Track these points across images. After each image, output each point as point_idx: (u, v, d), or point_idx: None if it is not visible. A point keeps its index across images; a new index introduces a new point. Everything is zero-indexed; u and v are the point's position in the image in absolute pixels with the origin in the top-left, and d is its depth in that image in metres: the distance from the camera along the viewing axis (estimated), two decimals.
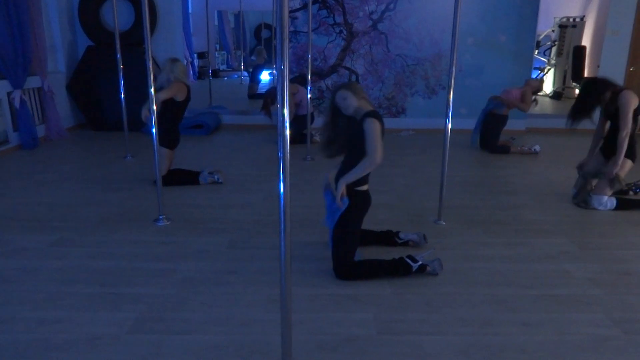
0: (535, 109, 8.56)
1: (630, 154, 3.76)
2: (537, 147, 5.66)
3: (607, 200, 3.77)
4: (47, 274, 2.68)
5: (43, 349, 2.04)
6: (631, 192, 4.17)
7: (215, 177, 4.28)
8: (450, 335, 2.17)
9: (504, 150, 5.64)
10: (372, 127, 2.54)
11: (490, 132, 5.66)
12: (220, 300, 2.43)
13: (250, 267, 2.78)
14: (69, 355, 2.00)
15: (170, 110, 4.05)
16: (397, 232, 3.09)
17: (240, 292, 2.51)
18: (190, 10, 10.52)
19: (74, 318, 2.26)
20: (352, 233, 2.67)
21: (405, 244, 3.05)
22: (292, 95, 5.74)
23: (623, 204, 3.79)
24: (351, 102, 2.62)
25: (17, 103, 5.33)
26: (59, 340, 2.10)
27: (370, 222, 3.33)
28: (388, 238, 3.07)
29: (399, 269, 2.64)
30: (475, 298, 2.48)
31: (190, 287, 2.55)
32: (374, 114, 2.58)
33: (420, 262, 2.65)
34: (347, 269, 2.62)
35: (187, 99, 4.13)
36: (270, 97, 6.14)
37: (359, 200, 2.67)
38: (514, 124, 6.83)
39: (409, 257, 2.67)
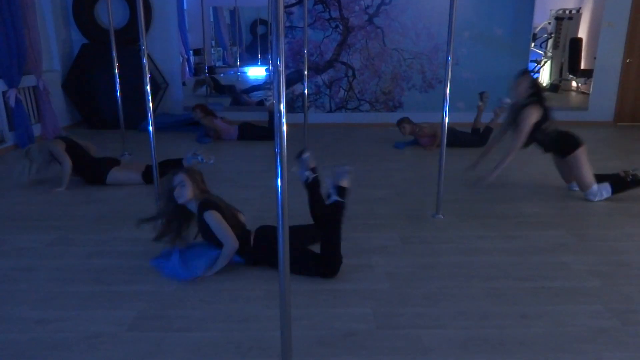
0: None
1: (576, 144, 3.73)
2: (507, 100, 5.02)
3: (601, 189, 3.73)
4: (45, 273, 2.67)
5: (42, 348, 2.04)
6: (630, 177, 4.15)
7: (199, 157, 3.95)
8: (449, 329, 2.17)
9: (489, 131, 5.47)
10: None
11: (465, 140, 5.49)
12: (219, 297, 2.43)
13: None
14: (69, 354, 2.00)
15: (76, 159, 4.08)
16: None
17: (239, 289, 2.51)
18: (185, 7, 10.46)
19: (72, 317, 2.26)
20: (297, 252, 2.56)
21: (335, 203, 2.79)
22: (213, 123, 5.88)
23: (617, 187, 3.74)
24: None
25: (12, 102, 5.30)
26: (58, 339, 2.09)
27: (369, 216, 3.34)
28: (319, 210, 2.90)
29: (338, 214, 2.62)
30: (474, 291, 2.49)
31: (189, 284, 2.55)
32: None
33: (337, 194, 2.67)
34: (326, 267, 2.57)
35: (68, 140, 4.15)
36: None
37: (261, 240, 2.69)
38: None
39: (336, 192, 2.66)
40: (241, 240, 2.66)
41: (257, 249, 2.69)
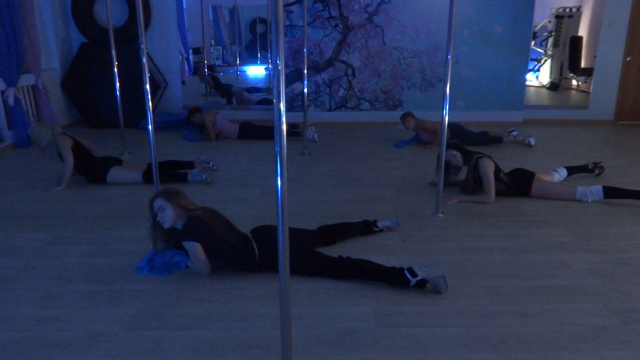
0: (532, 101, 8.56)
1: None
2: (533, 140, 5.55)
3: (591, 190, 3.69)
4: (45, 272, 2.67)
5: (42, 347, 2.04)
6: (596, 171, 4.26)
7: (204, 176, 4.22)
8: (449, 327, 2.17)
9: (497, 139, 5.57)
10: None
11: (466, 138, 5.49)
12: (218, 296, 2.43)
13: None
14: (68, 353, 2.00)
15: (76, 158, 4.05)
16: (375, 222, 3.16)
17: (239, 287, 2.51)
18: (184, 5, 10.45)
19: (72, 315, 2.26)
20: (304, 258, 2.59)
21: (382, 230, 3.15)
22: (212, 123, 5.80)
23: (610, 193, 3.69)
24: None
25: (11, 101, 5.30)
26: (57, 338, 2.09)
27: (369, 215, 3.33)
28: (366, 227, 3.12)
29: (396, 280, 2.47)
30: (474, 290, 2.48)
31: (189, 283, 2.55)
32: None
33: (419, 277, 2.43)
34: (336, 271, 2.54)
35: (74, 139, 4.13)
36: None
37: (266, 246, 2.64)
38: (510, 116, 6.85)
39: (409, 270, 2.46)
40: (244, 250, 2.60)
41: (266, 256, 2.60)
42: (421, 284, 2.44)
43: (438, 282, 2.43)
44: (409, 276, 2.44)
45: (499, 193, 3.74)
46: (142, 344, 2.06)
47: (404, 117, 5.60)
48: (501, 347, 2.03)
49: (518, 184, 3.78)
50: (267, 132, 5.91)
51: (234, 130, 5.92)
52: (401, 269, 2.48)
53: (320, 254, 2.63)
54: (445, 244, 3.01)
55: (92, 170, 4.17)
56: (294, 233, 2.70)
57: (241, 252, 2.60)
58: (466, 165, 3.84)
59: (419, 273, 2.45)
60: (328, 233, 2.98)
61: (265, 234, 2.67)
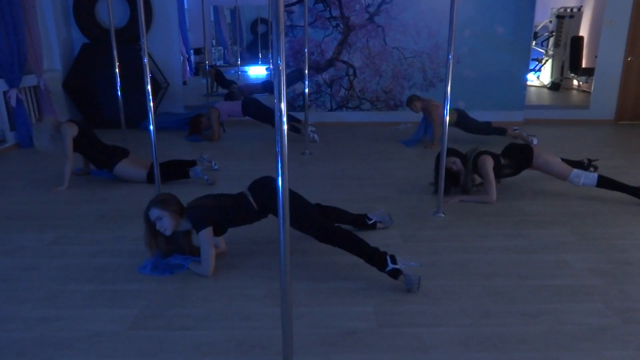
0: (533, 101, 8.56)
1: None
2: (535, 140, 5.53)
3: (586, 173, 3.69)
4: (47, 272, 2.68)
5: (44, 347, 2.05)
6: (591, 169, 4.23)
7: (205, 177, 4.22)
8: (450, 327, 2.18)
9: (500, 131, 5.54)
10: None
11: (470, 126, 5.55)
12: (220, 296, 2.43)
13: (250, 262, 2.79)
14: (70, 353, 2.01)
15: (84, 145, 4.09)
16: (366, 214, 3.20)
17: (241, 287, 2.51)
18: (185, 6, 10.47)
19: (74, 315, 2.27)
20: (302, 209, 2.66)
21: (374, 225, 3.18)
22: (217, 118, 5.79)
23: (604, 182, 3.68)
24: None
25: (13, 102, 5.31)
26: (60, 338, 2.10)
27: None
28: (360, 220, 3.16)
29: (374, 261, 2.49)
30: (475, 289, 2.49)
31: (191, 283, 2.56)
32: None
33: (397, 266, 2.45)
34: (325, 232, 2.61)
35: (82, 125, 4.15)
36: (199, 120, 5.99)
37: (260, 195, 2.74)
38: (511, 116, 6.85)
39: (392, 257, 2.47)
40: (239, 207, 2.71)
41: (265, 203, 2.72)
42: (395, 274, 2.45)
43: (412, 280, 2.43)
44: (388, 261, 2.46)
45: (504, 176, 3.83)
46: (144, 343, 2.07)
47: (409, 102, 5.55)
48: (502, 347, 2.04)
49: (519, 160, 3.82)
50: (271, 113, 5.66)
51: (238, 109, 5.81)
52: (384, 253, 2.49)
53: (314, 214, 2.68)
54: (446, 244, 3.02)
55: (99, 158, 4.18)
56: (295, 195, 2.73)
57: (238, 210, 2.70)
58: (465, 166, 3.84)
59: (399, 264, 2.47)
60: (326, 211, 3.07)
61: (262, 185, 2.78)
